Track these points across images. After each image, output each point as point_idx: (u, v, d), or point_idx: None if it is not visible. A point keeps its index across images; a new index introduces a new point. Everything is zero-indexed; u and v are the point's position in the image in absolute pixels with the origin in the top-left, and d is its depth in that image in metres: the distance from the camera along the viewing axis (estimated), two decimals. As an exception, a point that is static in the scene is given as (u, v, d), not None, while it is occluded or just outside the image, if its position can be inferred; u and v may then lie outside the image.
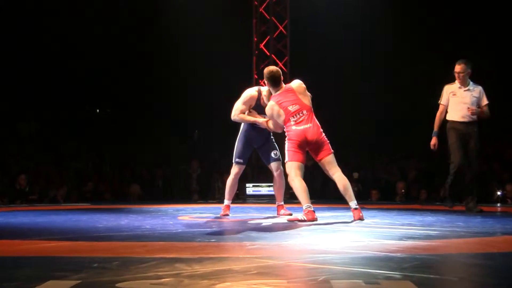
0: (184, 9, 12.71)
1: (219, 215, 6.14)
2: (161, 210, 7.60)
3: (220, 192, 11.23)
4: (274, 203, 6.47)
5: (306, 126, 5.40)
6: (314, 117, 5.50)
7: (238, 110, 5.94)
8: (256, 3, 11.93)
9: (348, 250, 3.35)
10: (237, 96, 6.04)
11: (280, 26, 11.85)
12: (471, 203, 6.73)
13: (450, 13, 13.15)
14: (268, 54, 11.79)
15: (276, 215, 6.23)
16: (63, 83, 14.33)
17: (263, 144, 6.13)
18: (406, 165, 12.46)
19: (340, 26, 12.41)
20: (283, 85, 5.63)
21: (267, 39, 11.87)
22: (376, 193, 11.34)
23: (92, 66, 14.35)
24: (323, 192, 11.06)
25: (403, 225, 5.06)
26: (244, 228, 4.99)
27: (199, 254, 3.21)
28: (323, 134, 5.48)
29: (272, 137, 6.19)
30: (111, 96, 15.34)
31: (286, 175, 5.71)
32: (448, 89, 6.88)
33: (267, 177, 10.25)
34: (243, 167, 6.19)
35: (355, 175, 11.58)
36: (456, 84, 6.85)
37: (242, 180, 8.62)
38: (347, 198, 5.38)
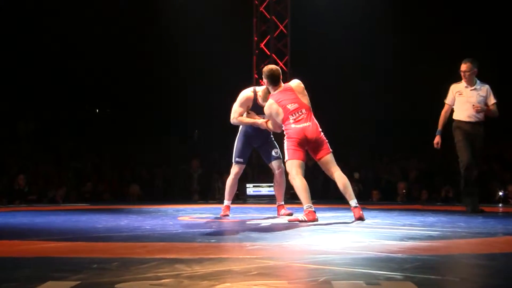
0: (184, 9, 12.71)
1: (219, 216, 6.13)
2: (161, 210, 7.58)
3: (220, 193, 11.22)
4: (275, 203, 6.45)
5: (305, 124, 5.39)
6: (313, 116, 5.50)
7: (236, 113, 5.94)
8: (256, 2, 11.92)
9: (349, 251, 3.34)
10: (237, 96, 6.02)
11: (280, 26, 11.83)
12: (472, 203, 6.68)
13: (450, 13, 13.14)
14: (269, 53, 11.77)
15: (276, 215, 6.22)
16: (63, 83, 14.32)
17: (263, 143, 6.12)
18: (407, 165, 12.45)
19: (341, 25, 12.41)
20: (282, 84, 5.64)
21: (267, 38, 11.85)
22: (377, 193, 11.33)
23: (92, 66, 14.34)
24: (324, 192, 11.05)
25: (404, 225, 5.04)
26: (244, 228, 4.98)
27: (199, 255, 3.19)
28: (322, 133, 5.48)
29: (272, 136, 6.18)
30: (111, 96, 15.33)
31: (286, 174, 5.71)
32: (454, 88, 6.80)
33: (267, 177, 10.24)
34: (243, 166, 6.18)
35: (356, 175, 11.58)
36: (463, 83, 6.76)
37: (242, 180, 8.61)
38: (347, 197, 5.37)
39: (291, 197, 8.87)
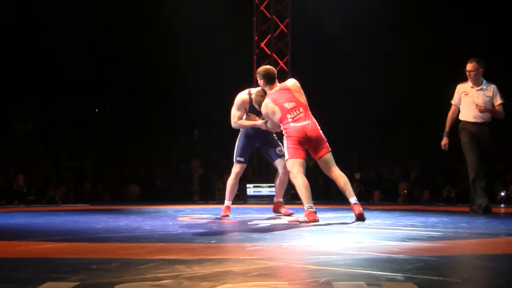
0: (184, 9, 12.69)
1: (219, 216, 6.11)
2: (161, 211, 7.57)
3: (221, 193, 11.21)
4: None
5: (304, 123, 5.38)
6: (311, 114, 5.48)
7: (235, 117, 5.96)
8: (256, 1, 11.89)
9: (350, 252, 3.33)
10: (234, 99, 6.04)
11: (281, 25, 11.80)
12: (475, 204, 6.64)
13: (451, 13, 13.14)
14: (269, 53, 11.73)
15: (272, 213, 6.24)
16: (62, 82, 14.30)
17: (264, 143, 6.12)
18: (409, 166, 12.43)
19: (342, 24, 12.38)
20: (278, 83, 5.64)
21: (268, 38, 11.82)
22: (378, 193, 11.33)
23: (91, 65, 14.33)
24: (325, 192, 11.04)
25: (405, 226, 5.02)
26: (245, 229, 4.96)
27: (199, 256, 3.18)
28: (321, 131, 5.46)
29: (274, 135, 6.17)
30: (110, 96, 15.32)
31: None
32: (460, 89, 6.70)
33: (268, 177, 10.22)
34: (244, 166, 6.17)
35: (357, 175, 11.57)
36: (469, 83, 6.65)
37: (243, 180, 8.59)
38: (347, 194, 5.35)
39: (292, 197, 8.85)
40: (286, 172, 5.93)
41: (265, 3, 11.85)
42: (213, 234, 4.60)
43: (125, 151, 13.90)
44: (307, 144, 5.42)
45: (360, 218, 5.25)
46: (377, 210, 7.34)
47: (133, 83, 14.80)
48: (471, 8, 12.90)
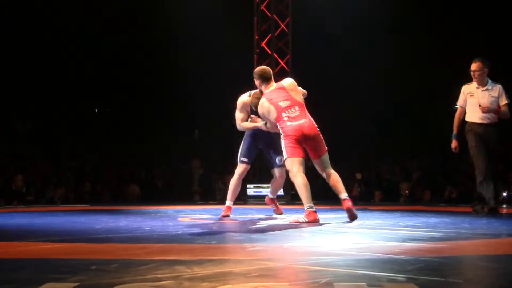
0: (184, 9, 12.68)
1: (219, 216, 6.11)
2: (161, 211, 7.55)
3: (221, 193, 11.19)
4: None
5: (301, 121, 5.36)
6: (308, 113, 5.46)
7: (238, 120, 6.03)
8: (257, 0, 11.89)
9: (350, 252, 3.31)
10: (237, 96, 6.09)
11: (281, 24, 11.79)
12: (478, 205, 6.60)
13: (451, 13, 13.13)
14: (270, 52, 11.73)
15: (272, 212, 6.32)
16: (62, 82, 14.30)
17: (267, 144, 6.10)
18: (410, 166, 12.42)
19: (342, 23, 12.37)
20: (274, 83, 5.64)
21: (268, 37, 11.81)
22: (379, 194, 11.31)
23: (91, 65, 14.33)
24: (325, 192, 11.01)
25: (407, 226, 5.01)
26: (245, 229, 4.95)
27: (199, 256, 3.17)
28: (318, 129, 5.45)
29: (280, 139, 6.15)
30: (110, 96, 15.32)
31: (286, 173, 5.69)
32: (465, 90, 6.62)
33: (268, 178, 10.19)
34: (248, 166, 6.19)
35: (358, 175, 11.53)
36: (474, 84, 6.56)
37: (243, 180, 8.57)
38: (338, 189, 5.35)
39: (293, 198, 8.84)
40: (283, 177, 6.07)
41: (266, 2, 11.84)
42: (213, 234, 4.58)
43: (125, 151, 13.89)
44: (306, 144, 5.40)
45: (349, 212, 5.25)
46: (378, 210, 7.33)
47: (133, 83, 14.80)
48: (471, 8, 12.89)
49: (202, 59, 13.34)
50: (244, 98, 5.99)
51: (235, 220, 5.92)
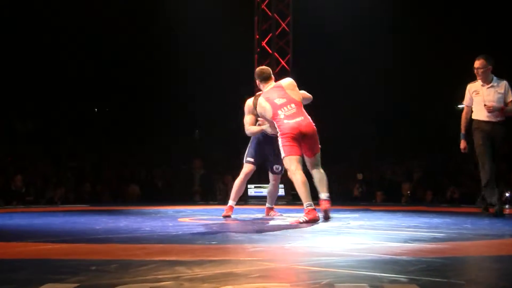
0: (184, 9, 12.68)
1: (220, 216, 6.10)
2: (161, 211, 7.54)
3: (221, 193, 11.18)
4: (276, 204, 6.49)
5: (298, 119, 5.35)
6: (305, 111, 5.45)
7: (246, 124, 6.05)
8: (257, 0, 11.88)
9: (352, 253, 3.30)
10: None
11: (282, 24, 11.78)
12: (483, 206, 6.55)
13: (451, 13, 13.13)
14: (270, 52, 11.71)
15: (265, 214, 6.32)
16: (62, 82, 14.30)
17: (271, 154, 6.09)
18: (412, 166, 12.40)
19: (343, 23, 12.37)
20: (273, 82, 5.67)
21: (269, 36, 11.79)
22: (381, 194, 11.29)
23: (91, 65, 14.32)
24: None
25: (408, 227, 4.99)
26: (246, 230, 4.94)
27: (200, 257, 3.15)
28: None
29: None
30: (110, 95, 15.32)
31: (285, 172, 5.69)
32: (471, 88, 6.52)
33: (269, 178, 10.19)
34: (254, 168, 6.17)
35: (360, 176, 11.53)
36: (479, 82, 6.47)
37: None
38: (321, 188, 5.34)
39: (293, 198, 8.82)
40: (277, 185, 6.24)
41: (266, 1, 11.83)
42: (214, 235, 4.57)
43: (125, 151, 13.89)
44: (303, 142, 5.37)
45: (325, 214, 5.24)
46: (379, 211, 7.32)
47: (133, 83, 14.80)
48: (471, 8, 12.88)
49: (202, 59, 13.33)
50: (249, 101, 6.00)
51: (236, 220, 5.90)
